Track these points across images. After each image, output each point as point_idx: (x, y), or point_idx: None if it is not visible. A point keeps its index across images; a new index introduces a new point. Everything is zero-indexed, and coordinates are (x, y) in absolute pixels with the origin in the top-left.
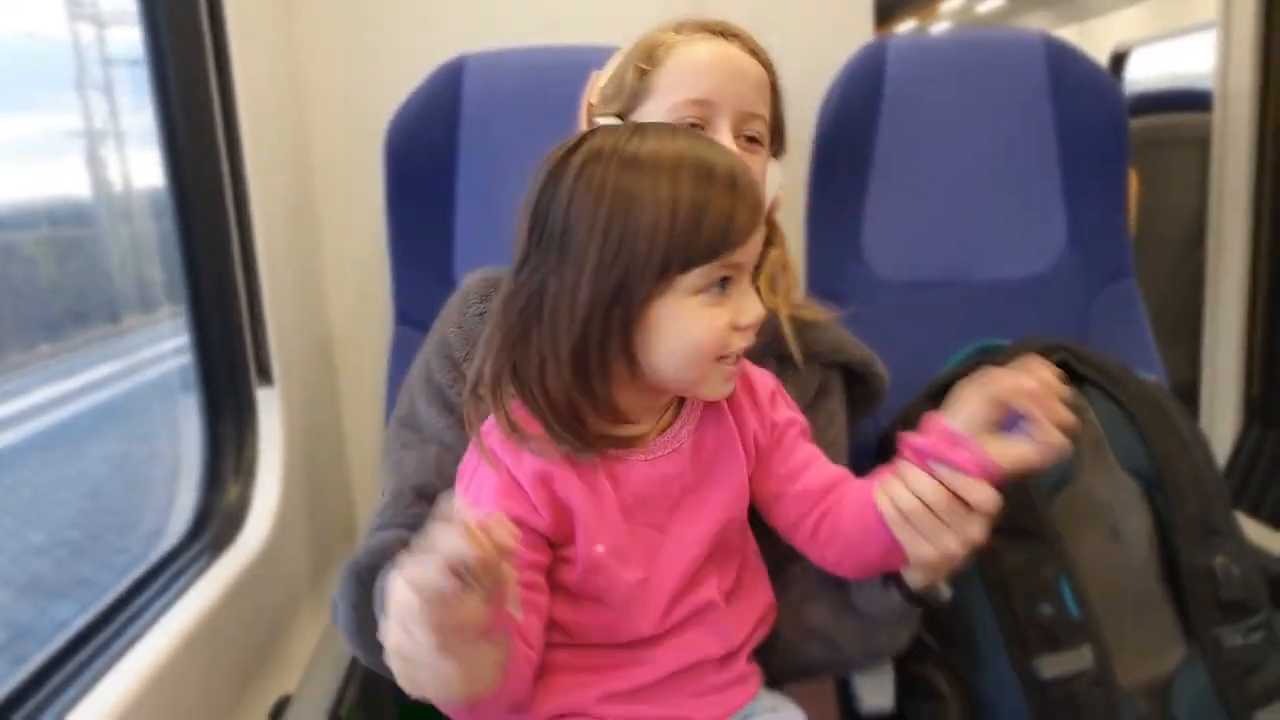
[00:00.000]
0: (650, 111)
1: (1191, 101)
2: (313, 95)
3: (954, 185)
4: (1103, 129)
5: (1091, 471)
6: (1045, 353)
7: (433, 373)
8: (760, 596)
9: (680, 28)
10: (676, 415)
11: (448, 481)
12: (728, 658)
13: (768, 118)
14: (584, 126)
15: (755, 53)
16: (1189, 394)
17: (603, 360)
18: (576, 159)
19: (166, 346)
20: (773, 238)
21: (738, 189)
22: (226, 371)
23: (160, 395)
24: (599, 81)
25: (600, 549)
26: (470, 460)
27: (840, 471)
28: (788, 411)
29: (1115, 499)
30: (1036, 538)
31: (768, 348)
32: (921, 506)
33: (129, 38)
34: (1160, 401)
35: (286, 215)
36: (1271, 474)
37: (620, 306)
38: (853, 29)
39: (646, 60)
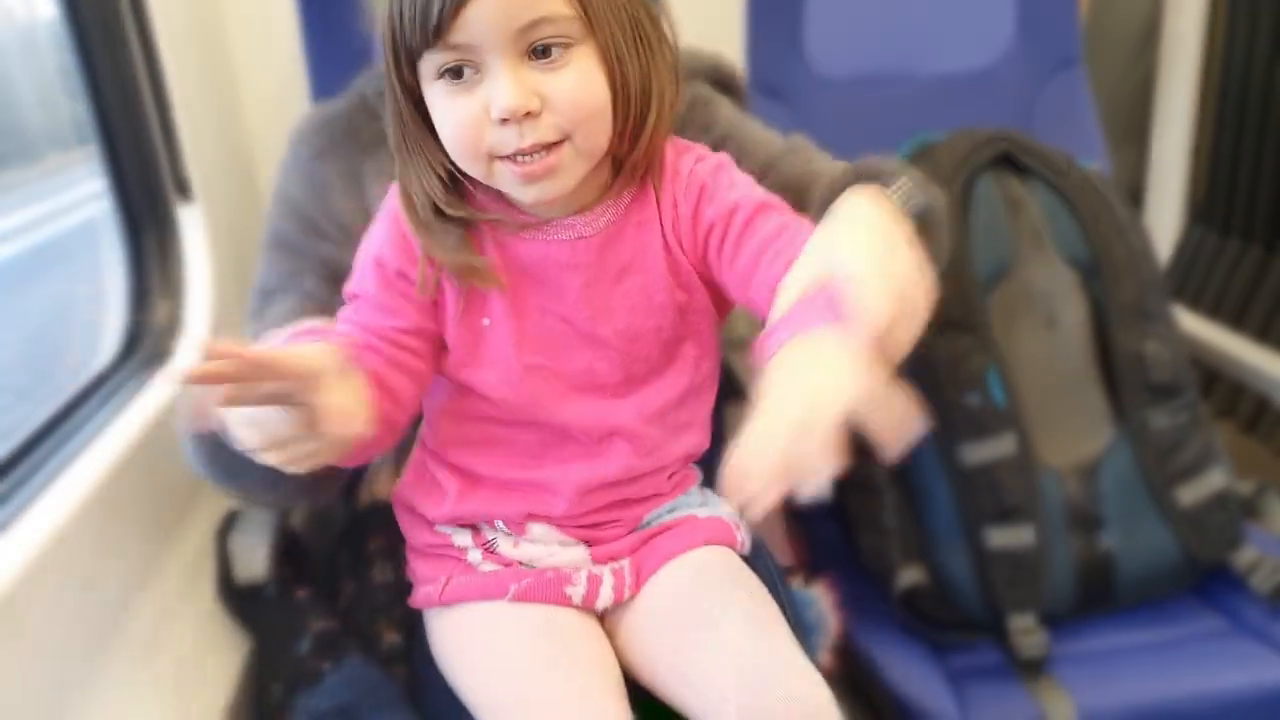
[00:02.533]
0: None
1: None
2: None
3: None
4: None
5: (1030, 263)
6: (986, 144)
7: (282, 228)
8: (692, 436)
9: None
10: (598, 199)
11: None
12: (640, 480)
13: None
14: None
15: None
16: (1135, 197)
17: (422, 146)
18: None
19: (95, 185)
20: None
21: None
22: (143, 190)
23: (95, 234)
24: None
25: (487, 322)
26: (379, 213)
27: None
28: (730, 194)
29: (1053, 288)
30: (967, 330)
31: None
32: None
33: None
34: (1101, 190)
35: (191, 19)
36: (1210, 271)
37: (402, 93)
38: None
39: None
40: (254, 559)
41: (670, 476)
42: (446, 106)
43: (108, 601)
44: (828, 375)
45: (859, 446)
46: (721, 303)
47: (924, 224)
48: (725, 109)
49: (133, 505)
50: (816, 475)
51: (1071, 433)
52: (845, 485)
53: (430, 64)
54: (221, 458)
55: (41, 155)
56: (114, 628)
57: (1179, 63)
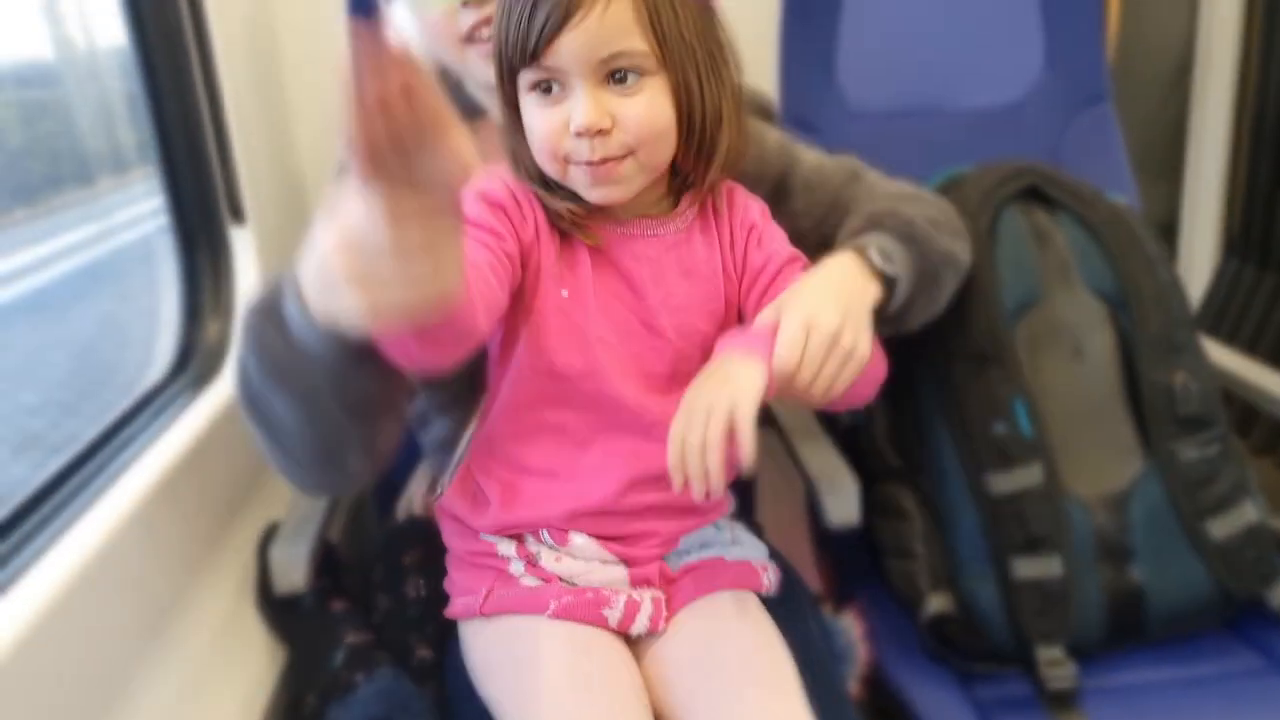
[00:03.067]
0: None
1: None
2: None
3: (929, 10)
4: None
5: (1057, 294)
6: (1014, 177)
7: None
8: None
9: None
10: (669, 211)
11: None
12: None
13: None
14: None
15: None
16: (1168, 231)
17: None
18: None
19: (145, 207)
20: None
21: None
22: (199, 213)
23: (142, 256)
24: None
25: (565, 293)
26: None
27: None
28: (772, 246)
29: (1080, 320)
30: (995, 361)
31: None
32: None
33: None
34: (1129, 223)
35: (250, 51)
36: (1246, 305)
37: (506, 104)
38: None
39: None
40: (292, 571)
41: None
42: (536, 115)
43: (151, 609)
44: (722, 379)
45: (887, 471)
46: None
47: (929, 278)
48: (773, 134)
49: (178, 517)
50: (711, 455)
51: (1099, 463)
52: (874, 511)
53: (526, 79)
54: (278, 358)
55: (93, 178)
56: (155, 635)
57: (1212, 96)
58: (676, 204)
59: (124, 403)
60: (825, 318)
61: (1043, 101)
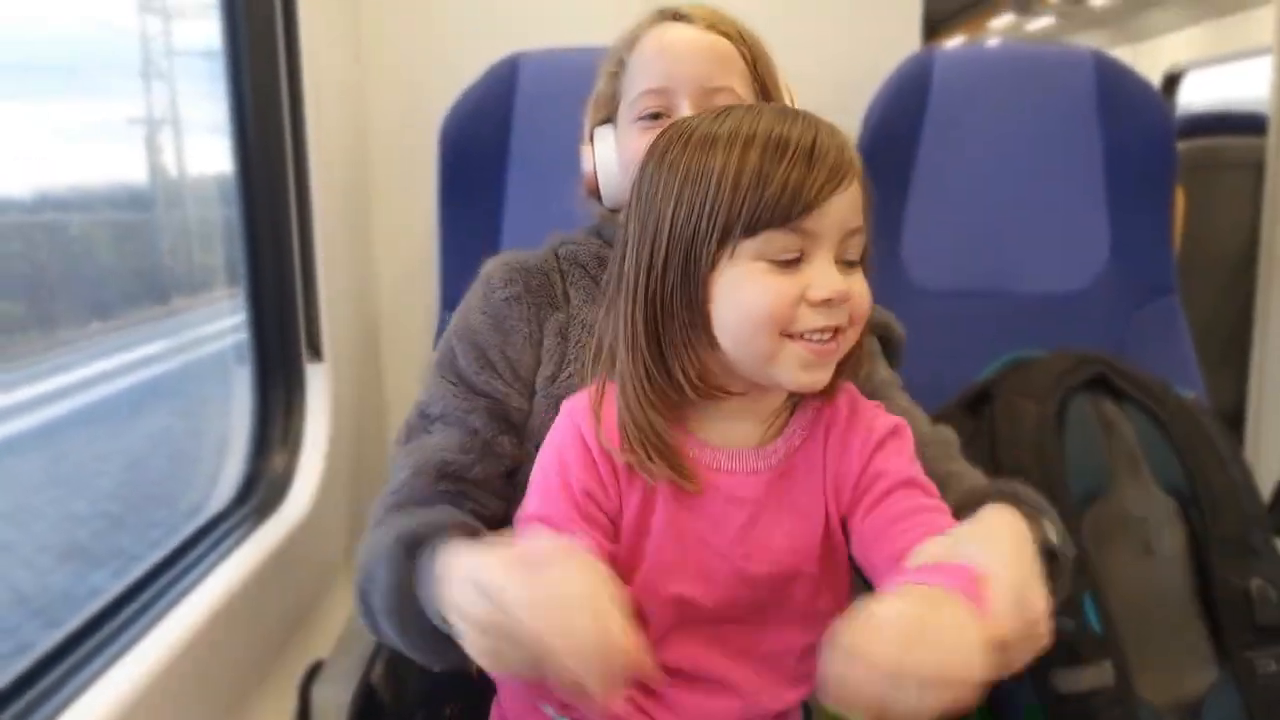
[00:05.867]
0: (622, 113)
1: (1245, 124)
2: (373, 88)
3: (996, 197)
4: (1150, 145)
5: (1125, 486)
6: (1082, 365)
7: (457, 358)
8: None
9: (641, 23)
10: (778, 433)
11: (471, 463)
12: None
13: (740, 87)
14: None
15: (714, 26)
16: (1235, 420)
17: (673, 332)
18: (660, 143)
19: (209, 329)
20: None
21: (815, 156)
22: (279, 346)
23: (200, 376)
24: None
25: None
26: (554, 432)
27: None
28: (898, 461)
29: (1149, 514)
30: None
31: None
32: None
33: (192, 30)
34: (1199, 418)
35: (343, 201)
36: None
37: (686, 274)
38: (900, 41)
39: (616, 64)
40: (333, 714)
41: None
42: (767, 282)
43: None
44: (953, 634)
45: None
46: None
47: (1050, 564)
48: (883, 369)
49: (230, 648)
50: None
51: (1171, 668)
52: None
53: (764, 242)
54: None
55: (169, 298)
56: None
57: (1277, 285)
58: (786, 423)
59: (167, 516)
60: (1030, 577)
61: (1108, 291)
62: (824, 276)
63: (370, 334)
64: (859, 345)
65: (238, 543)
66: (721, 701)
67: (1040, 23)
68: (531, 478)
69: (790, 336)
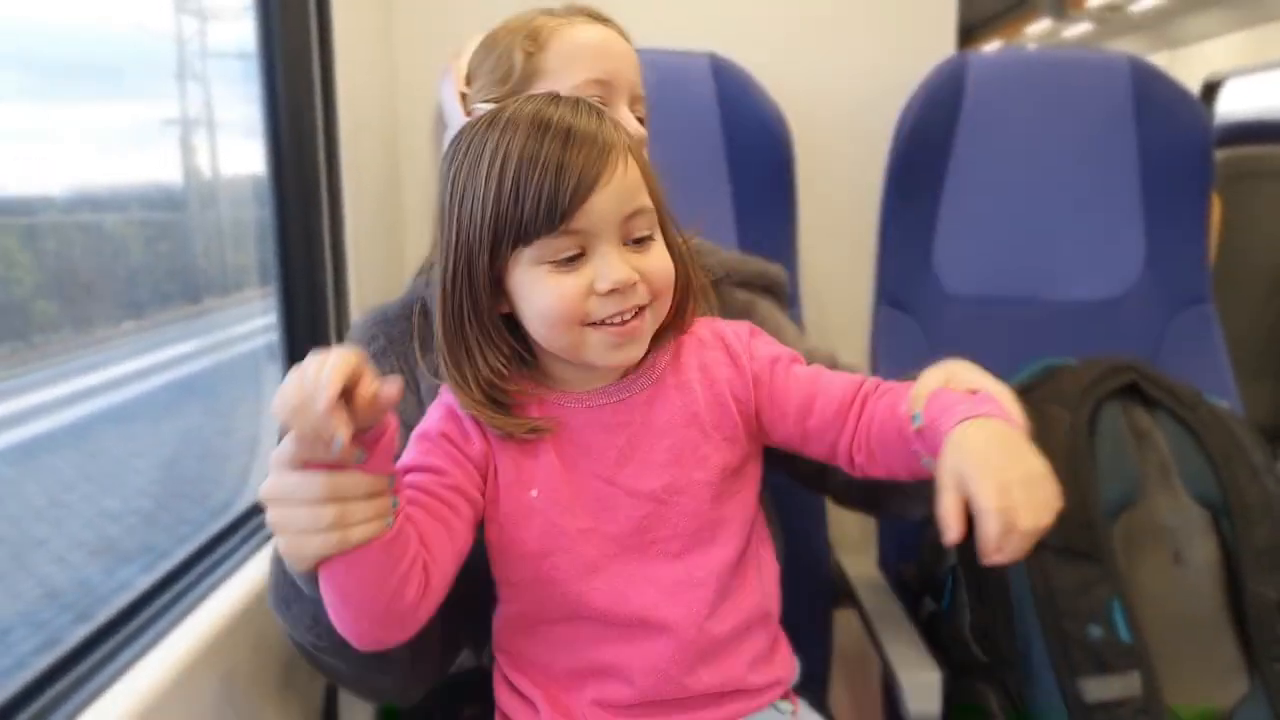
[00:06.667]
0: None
1: None
2: (405, 88)
3: (1030, 203)
4: (1186, 152)
5: (1157, 496)
6: (1114, 373)
7: None
8: (747, 598)
9: (553, 12)
10: (633, 370)
11: None
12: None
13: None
14: (460, 116)
15: (627, 40)
16: (1272, 434)
17: (483, 330)
18: (450, 150)
19: (241, 329)
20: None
21: (565, 164)
22: (310, 346)
23: (232, 375)
24: (461, 71)
25: (534, 493)
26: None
27: (849, 384)
28: (767, 350)
29: (1180, 524)
30: (1091, 558)
31: None
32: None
33: (227, 32)
34: (1232, 428)
35: (375, 202)
36: None
37: (474, 282)
38: (935, 46)
39: (531, 44)
40: (360, 708)
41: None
42: (550, 284)
43: None
44: (1020, 451)
45: (969, 665)
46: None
47: None
48: (762, 307)
49: (256, 643)
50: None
51: (1201, 679)
52: (954, 705)
53: (539, 249)
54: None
55: (200, 298)
56: None
57: None
58: (641, 361)
59: (197, 513)
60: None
61: (1142, 299)
62: (607, 268)
63: None
64: (688, 298)
65: (266, 539)
66: (659, 644)
67: (1078, 29)
68: None
69: (591, 325)
